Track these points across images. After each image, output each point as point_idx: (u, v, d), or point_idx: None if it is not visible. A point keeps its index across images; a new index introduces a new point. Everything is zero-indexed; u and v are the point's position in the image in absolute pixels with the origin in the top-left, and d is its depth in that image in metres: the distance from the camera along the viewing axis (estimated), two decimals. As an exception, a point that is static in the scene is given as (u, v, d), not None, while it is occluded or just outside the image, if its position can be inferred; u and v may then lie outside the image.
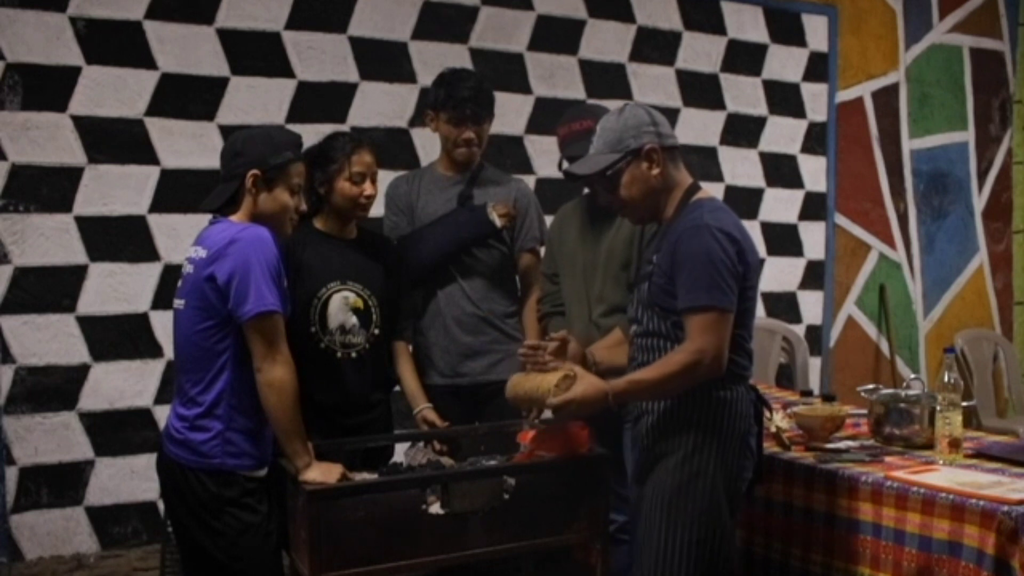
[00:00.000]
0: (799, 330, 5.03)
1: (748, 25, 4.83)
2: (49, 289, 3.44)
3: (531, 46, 4.28)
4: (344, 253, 2.87)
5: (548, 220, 3.25)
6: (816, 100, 5.04)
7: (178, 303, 2.40)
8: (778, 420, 2.96)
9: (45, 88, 3.42)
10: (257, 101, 3.75)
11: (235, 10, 3.71)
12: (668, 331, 2.37)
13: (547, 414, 3.07)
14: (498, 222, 3.08)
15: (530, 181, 3.58)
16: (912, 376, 3.43)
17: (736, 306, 2.31)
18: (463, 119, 3.04)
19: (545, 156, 4.24)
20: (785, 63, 4.94)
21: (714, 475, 2.34)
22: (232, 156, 2.41)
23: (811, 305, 5.11)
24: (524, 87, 4.26)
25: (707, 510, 2.33)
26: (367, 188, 2.82)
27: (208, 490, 2.34)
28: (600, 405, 2.32)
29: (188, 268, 2.39)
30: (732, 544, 2.40)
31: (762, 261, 4.92)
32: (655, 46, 4.58)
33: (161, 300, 3.56)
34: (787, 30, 4.94)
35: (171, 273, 3.46)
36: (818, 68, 5.03)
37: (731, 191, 4.81)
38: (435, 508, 2.44)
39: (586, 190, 3.11)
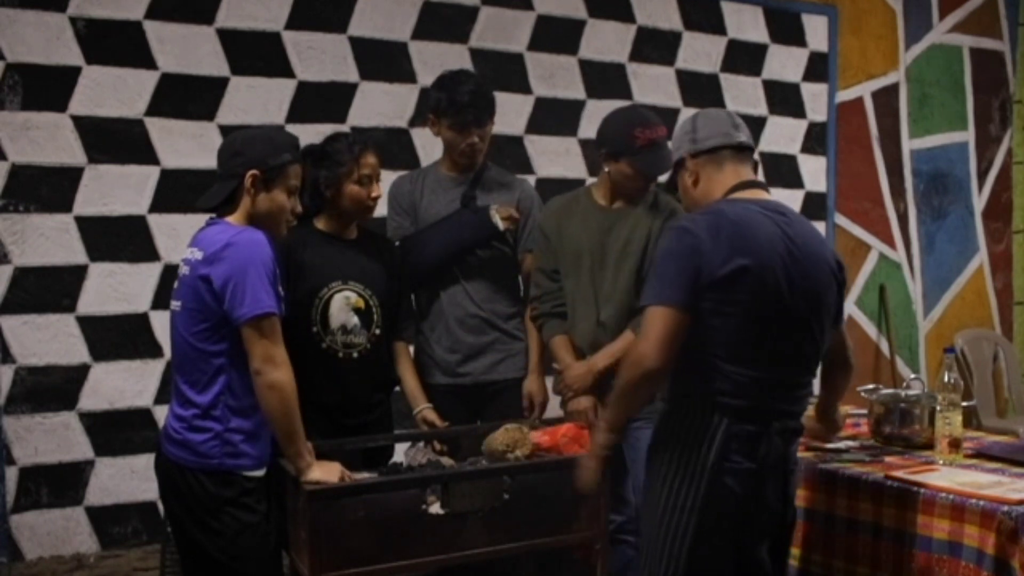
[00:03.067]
0: (799, 330, 5.03)
1: (748, 25, 4.82)
2: (49, 289, 3.44)
3: (531, 46, 4.27)
4: (345, 253, 2.87)
5: (549, 220, 3.25)
6: (816, 100, 5.04)
7: (174, 304, 2.41)
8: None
9: (45, 88, 3.42)
10: (257, 101, 3.74)
11: (235, 10, 3.71)
12: None
13: (553, 411, 3.10)
14: (500, 225, 3.08)
15: (530, 181, 3.57)
16: (912, 376, 3.43)
17: (686, 303, 2.13)
18: (466, 125, 3.03)
19: (545, 156, 4.24)
20: (785, 63, 4.94)
21: (673, 504, 2.20)
22: (231, 155, 2.41)
23: (811, 305, 5.10)
24: (524, 87, 4.26)
25: (672, 539, 2.21)
26: (375, 189, 2.83)
27: (207, 490, 2.34)
28: (603, 448, 2.39)
29: (184, 270, 2.39)
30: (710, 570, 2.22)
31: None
32: (655, 46, 4.58)
33: (161, 300, 3.56)
34: (787, 30, 4.94)
35: (171, 273, 3.43)
36: (818, 68, 5.03)
37: (731, 191, 4.81)
38: (435, 508, 2.44)
39: (588, 183, 3.12)
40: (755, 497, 2.21)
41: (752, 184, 2.32)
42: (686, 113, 4.65)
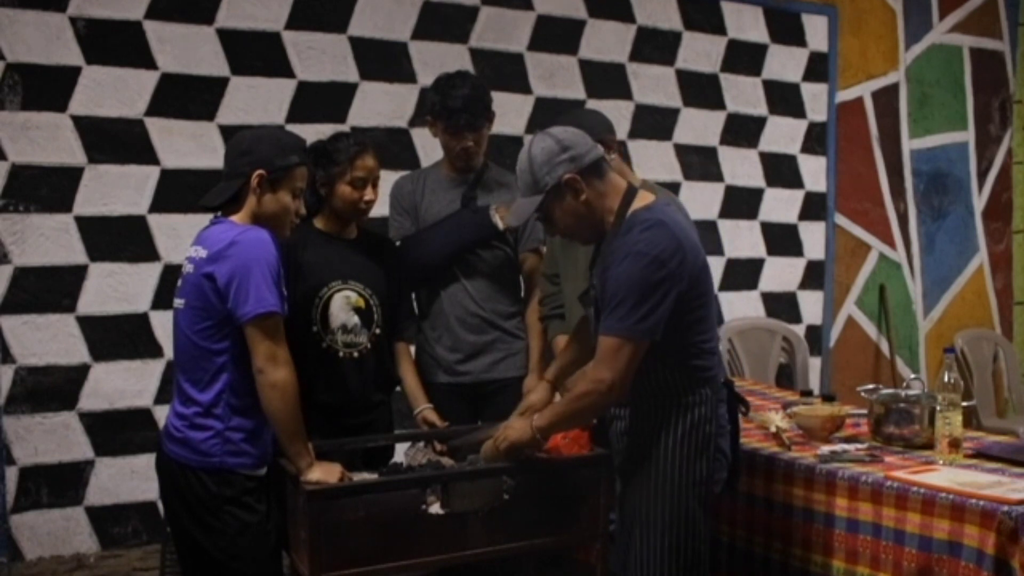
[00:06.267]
0: (799, 330, 5.04)
1: (748, 25, 4.83)
2: (49, 289, 3.44)
3: (531, 46, 4.28)
4: (345, 253, 2.87)
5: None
6: (816, 100, 5.04)
7: (178, 302, 2.41)
8: (778, 420, 2.96)
9: (45, 88, 3.42)
10: (257, 101, 3.75)
11: (235, 10, 3.71)
12: None
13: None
14: (500, 224, 3.08)
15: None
16: (912, 376, 3.43)
17: (656, 335, 2.26)
18: (459, 129, 3.04)
19: (545, 156, 4.23)
20: (785, 63, 4.94)
21: (682, 481, 2.35)
22: (238, 155, 2.41)
23: (811, 305, 5.11)
24: (524, 87, 4.26)
25: (678, 516, 2.35)
26: (367, 193, 2.82)
27: (207, 489, 2.34)
28: (531, 443, 2.44)
29: (188, 268, 2.39)
30: (705, 545, 2.40)
31: (761, 261, 4.93)
32: (655, 46, 4.58)
33: (161, 300, 3.56)
34: (787, 30, 4.94)
35: (171, 273, 3.45)
36: (818, 68, 5.03)
37: (731, 191, 4.81)
38: (435, 508, 2.44)
39: None
40: (733, 457, 2.47)
41: (639, 187, 2.43)
42: (687, 113, 4.66)
